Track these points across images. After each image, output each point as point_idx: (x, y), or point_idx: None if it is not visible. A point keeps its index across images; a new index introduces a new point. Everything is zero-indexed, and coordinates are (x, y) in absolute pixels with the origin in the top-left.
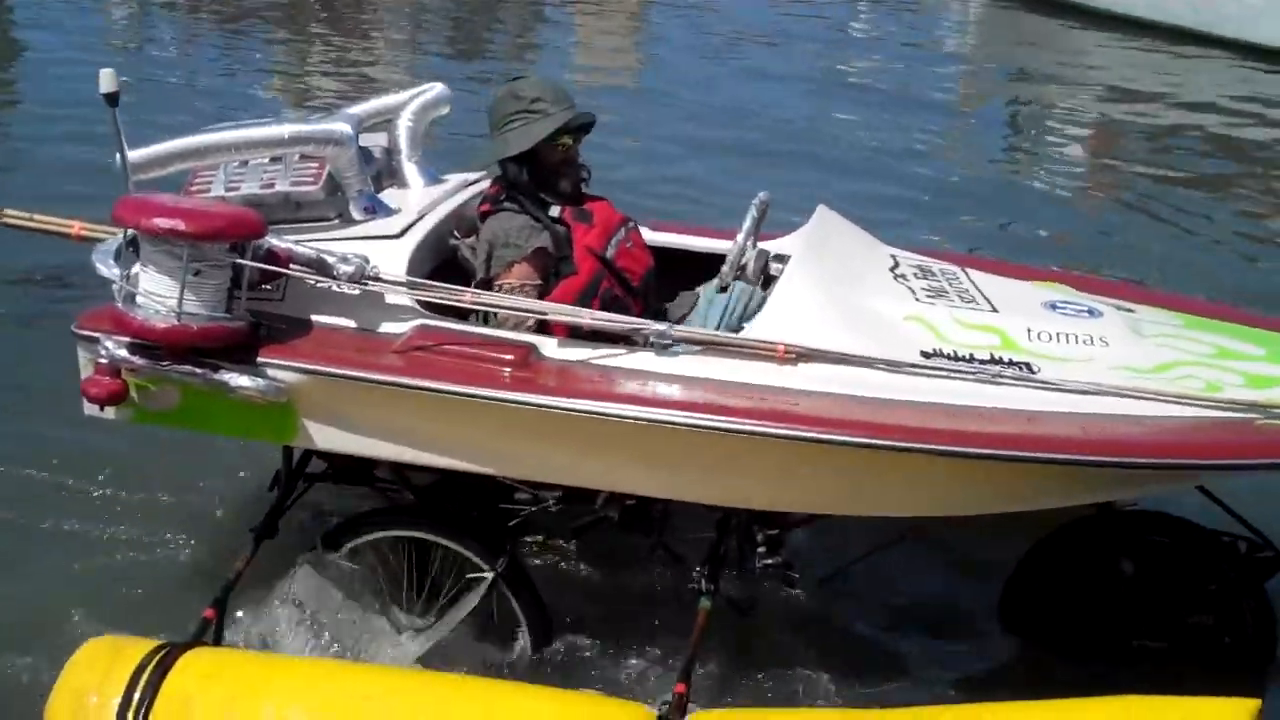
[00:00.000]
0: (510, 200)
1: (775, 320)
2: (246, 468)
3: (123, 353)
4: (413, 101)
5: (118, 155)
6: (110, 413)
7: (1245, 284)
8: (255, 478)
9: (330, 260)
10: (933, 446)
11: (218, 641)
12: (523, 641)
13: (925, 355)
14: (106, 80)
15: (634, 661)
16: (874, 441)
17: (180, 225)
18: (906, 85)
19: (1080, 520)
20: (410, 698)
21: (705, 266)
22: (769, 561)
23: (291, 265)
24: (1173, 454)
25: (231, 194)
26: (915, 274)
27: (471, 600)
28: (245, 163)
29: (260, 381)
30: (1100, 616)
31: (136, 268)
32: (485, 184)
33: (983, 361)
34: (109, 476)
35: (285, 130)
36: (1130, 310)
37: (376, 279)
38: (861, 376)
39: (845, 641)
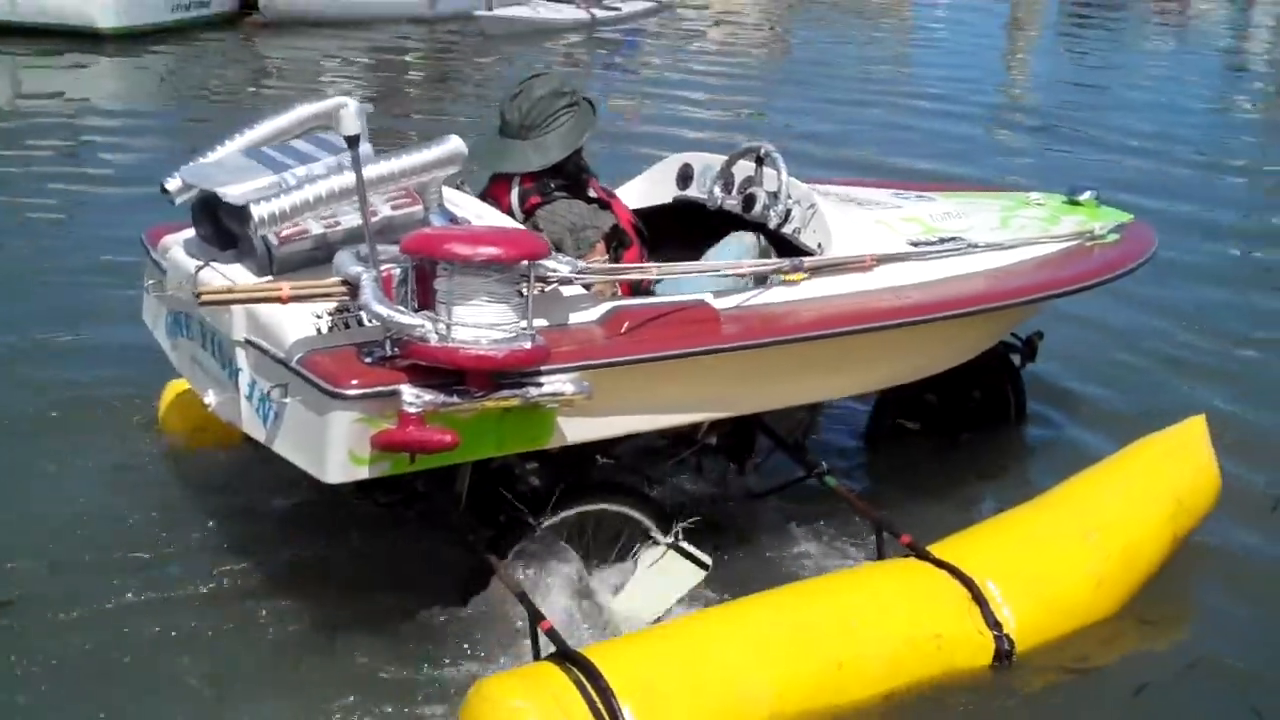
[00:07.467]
0: (559, 189)
1: (843, 240)
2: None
3: (438, 396)
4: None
5: (356, 202)
6: (364, 471)
7: None
8: None
9: (548, 263)
10: (1052, 292)
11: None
12: None
13: (913, 244)
14: (349, 120)
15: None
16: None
17: (517, 251)
18: None
19: None
20: (805, 609)
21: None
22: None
23: None
24: (1089, 278)
25: (333, 230)
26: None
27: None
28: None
29: (576, 384)
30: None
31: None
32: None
33: (934, 243)
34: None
35: (418, 158)
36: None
37: (585, 273)
38: (912, 268)
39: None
